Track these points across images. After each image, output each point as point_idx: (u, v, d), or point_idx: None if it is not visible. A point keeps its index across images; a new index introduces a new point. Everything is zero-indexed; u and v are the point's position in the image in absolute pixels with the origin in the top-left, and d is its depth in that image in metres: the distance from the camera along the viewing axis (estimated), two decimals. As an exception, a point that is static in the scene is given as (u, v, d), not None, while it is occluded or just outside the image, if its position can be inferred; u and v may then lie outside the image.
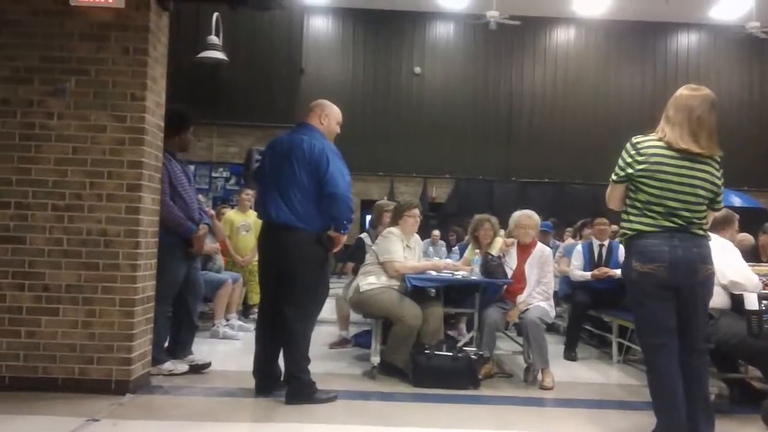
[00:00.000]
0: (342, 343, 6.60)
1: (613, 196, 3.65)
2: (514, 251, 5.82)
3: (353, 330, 6.85)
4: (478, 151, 18.22)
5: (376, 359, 5.29)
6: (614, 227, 8.37)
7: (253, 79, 15.59)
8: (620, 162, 3.56)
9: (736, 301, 4.65)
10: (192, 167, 14.06)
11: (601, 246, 6.98)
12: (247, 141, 15.16)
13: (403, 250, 5.52)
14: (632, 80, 19.29)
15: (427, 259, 6.27)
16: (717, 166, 3.58)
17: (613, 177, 3.59)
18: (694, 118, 3.49)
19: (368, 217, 9.25)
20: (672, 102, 3.59)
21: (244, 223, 7.86)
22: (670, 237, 3.45)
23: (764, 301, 4.38)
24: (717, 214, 4.98)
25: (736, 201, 15.62)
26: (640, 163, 3.48)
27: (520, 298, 5.53)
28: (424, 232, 9.40)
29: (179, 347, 5.26)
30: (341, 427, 4.00)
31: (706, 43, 19.73)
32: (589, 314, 6.92)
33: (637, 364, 6.35)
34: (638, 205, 3.51)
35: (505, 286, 5.69)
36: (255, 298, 7.67)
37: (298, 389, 4.42)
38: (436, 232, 12.22)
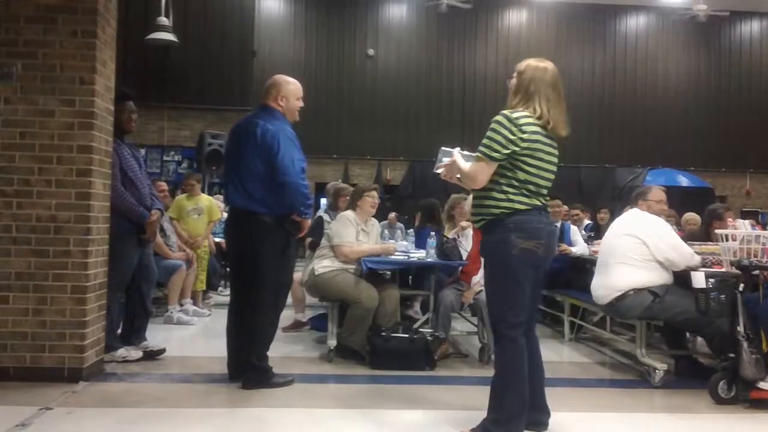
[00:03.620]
0: (296, 326, 6.59)
1: (486, 175, 3.42)
2: (470, 233, 5.89)
3: (309, 313, 6.84)
4: (432, 133, 18.26)
5: (332, 342, 5.30)
6: (565, 208, 8.56)
7: (204, 61, 15.38)
8: (500, 139, 3.35)
9: (680, 275, 4.82)
10: (142, 151, 13.88)
11: (554, 226, 7.11)
12: (199, 124, 15.00)
13: (357, 234, 5.53)
14: (583, 62, 19.55)
15: (383, 242, 6.29)
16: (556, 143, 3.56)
17: (494, 155, 3.36)
18: (563, 99, 3.50)
19: (323, 201, 9.20)
20: (543, 80, 3.48)
21: (195, 206, 7.76)
22: (539, 215, 3.46)
23: (711, 280, 4.52)
24: (638, 188, 5.23)
25: (684, 181, 16.03)
26: (523, 140, 3.37)
27: (475, 279, 5.59)
28: (380, 215, 9.42)
29: (133, 334, 5.20)
30: (299, 411, 4.02)
31: (655, 25, 20.09)
32: (542, 294, 7.04)
33: (588, 341, 6.51)
34: (516, 183, 3.41)
35: (460, 268, 5.75)
36: (200, 284, 7.61)
37: (255, 375, 4.42)
38: (393, 215, 12.24)
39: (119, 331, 5.16)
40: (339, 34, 19.10)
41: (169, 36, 12.64)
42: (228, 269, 7.64)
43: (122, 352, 4.99)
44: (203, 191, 10.47)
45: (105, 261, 4.66)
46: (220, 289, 9.04)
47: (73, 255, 4.35)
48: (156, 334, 5.71)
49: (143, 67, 14.25)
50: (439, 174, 3.64)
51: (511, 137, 3.36)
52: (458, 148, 3.56)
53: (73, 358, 4.35)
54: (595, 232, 9.56)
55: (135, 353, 5.05)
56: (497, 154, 3.38)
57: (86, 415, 3.80)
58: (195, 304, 7.36)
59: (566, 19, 19.55)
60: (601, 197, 16.36)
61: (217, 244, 8.24)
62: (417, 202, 14.10)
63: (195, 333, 6.47)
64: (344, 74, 18.89)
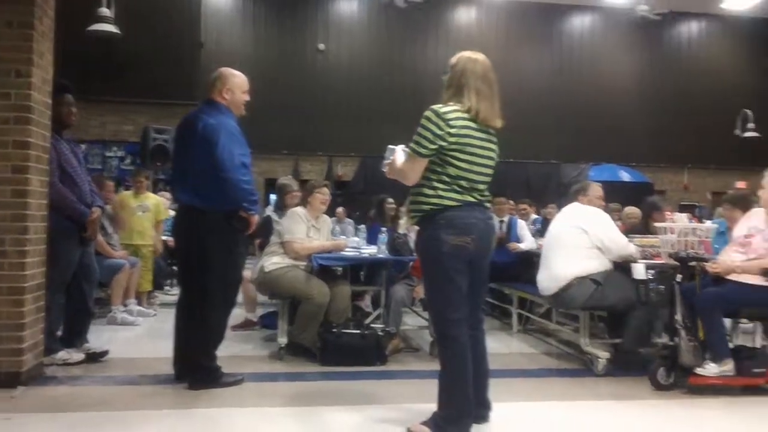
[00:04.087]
0: (246, 325, 6.52)
1: (416, 171, 3.42)
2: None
3: (258, 311, 6.77)
4: (384, 129, 18.15)
5: (283, 340, 5.26)
6: (512, 203, 8.67)
7: (149, 53, 15.05)
8: (427, 134, 3.33)
9: (620, 266, 4.96)
10: (83, 146, 13.52)
11: (501, 222, 7.23)
12: (144, 118, 14.61)
13: (307, 230, 5.50)
14: (531, 60, 19.81)
15: (334, 238, 6.27)
16: (495, 137, 3.58)
17: (422, 150, 3.35)
18: (495, 91, 3.49)
19: (272, 197, 9.12)
20: (474, 72, 3.45)
21: (140, 204, 7.60)
22: (472, 210, 3.42)
23: (650, 271, 4.66)
24: (576, 184, 5.38)
25: (625, 176, 16.40)
26: (452, 135, 3.33)
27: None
28: (332, 212, 9.41)
29: (74, 336, 5.06)
30: (248, 410, 3.97)
31: (600, 25, 20.50)
32: (491, 287, 7.13)
33: (536, 333, 6.62)
34: (446, 179, 3.38)
35: (411, 263, 5.77)
36: (145, 285, 7.48)
37: (203, 375, 4.35)
38: (341, 210, 12.24)
39: (59, 333, 5.02)
40: (289, 27, 18.95)
41: (111, 27, 12.31)
42: (175, 268, 7.52)
43: (63, 354, 4.85)
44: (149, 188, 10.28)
45: (43, 261, 4.51)
46: (166, 288, 8.90)
47: (9, 255, 4.20)
48: (99, 336, 5.59)
49: (85, 60, 13.86)
50: (385, 171, 3.63)
51: (439, 132, 3.34)
52: (402, 146, 3.55)
53: (10, 362, 4.19)
54: (543, 227, 9.71)
55: (76, 356, 4.92)
56: (425, 150, 3.36)
57: (27, 420, 3.68)
58: (140, 304, 7.22)
59: (516, 17, 19.79)
60: (548, 193, 16.62)
61: (163, 242, 8.10)
62: (369, 198, 14.14)
63: (140, 334, 6.34)
64: (295, 68, 18.74)
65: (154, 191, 10.15)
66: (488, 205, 3.60)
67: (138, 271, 7.12)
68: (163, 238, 8.12)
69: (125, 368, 4.92)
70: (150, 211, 7.63)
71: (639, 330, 4.86)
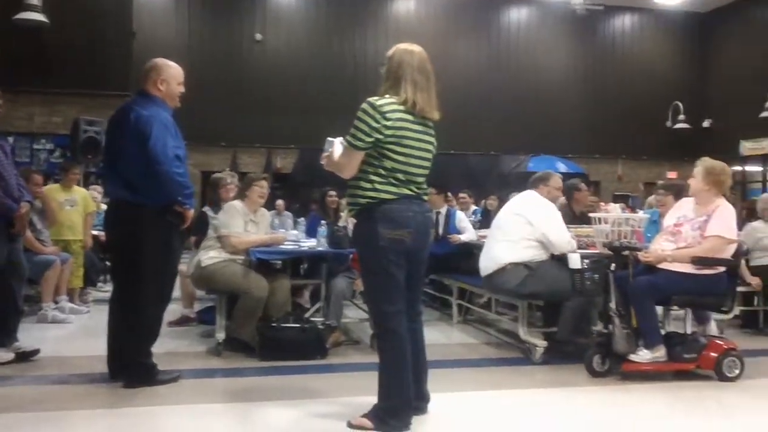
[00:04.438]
0: (183, 321, 6.38)
1: (354, 164, 3.41)
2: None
3: (195, 307, 6.65)
4: (324, 121, 18.04)
5: (221, 335, 5.18)
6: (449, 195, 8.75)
7: (79, 43, 14.54)
8: (363, 127, 3.32)
9: (557, 258, 5.07)
10: (10, 139, 13.03)
11: (438, 213, 7.25)
12: (74, 110, 14.10)
13: (245, 224, 5.42)
14: (470, 52, 19.98)
15: (272, 232, 6.20)
16: (433, 131, 3.60)
17: (358, 143, 3.34)
18: (432, 82, 3.50)
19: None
20: (411, 64, 3.44)
21: (68, 198, 7.38)
22: (409, 203, 3.42)
23: (585, 260, 4.77)
24: (538, 172, 5.47)
25: (561, 167, 16.71)
26: (388, 128, 3.33)
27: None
28: (270, 204, 9.30)
29: (4, 335, 4.85)
30: (186, 408, 3.90)
31: (537, 18, 20.81)
32: (431, 278, 7.19)
33: (476, 323, 6.70)
34: (382, 172, 3.37)
35: (351, 256, 5.75)
36: (77, 281, 7.28)
37: (139, 373, 4.25)
38: (280, 203, 12.15)
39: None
40: (226, 16, 18.63)
41: (39, 16, 11.88)
42: (108, 263, 7.33)
43: (-8, 354, 4.69)
44: (79, 182, 9.98)
45: (-31, 258, 4.34)
46: (99, 284, 8.66)
47: (-68, 252, 4.03)
48: (29, 335, 5.39)
49: (11, 50, 13.32)
50: (323, 164, 3.61)
51: (375, 125, 3.33)
52: (341, 138, 3.52)
53: (-66, 364, 4.03)
54: (484, 217, 9.83)
55: (6, 355, 4.75)
56: (361, 143, 3.36)
57: (-49, 423, 3.55)
58: (72, 301, 7.01)
59: (454, 9, 19.91)
60: (488, 184, 16.84)
61: (96, 237, 7.88)
62: (309, 190, 14.04)
63: (72, 331, 6.16)
64: (232, 59, 18.44)
65: (86, 185, 9.87)
66: (426, 197, 3.61)
67: (69, 267, 6.90)
68: (95, 232, 7.91)
69: (58, 367, 4.77)
70: (78, 205, 7.41)
71: (572, 320, 4.97)
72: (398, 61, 3.47)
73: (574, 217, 6.24)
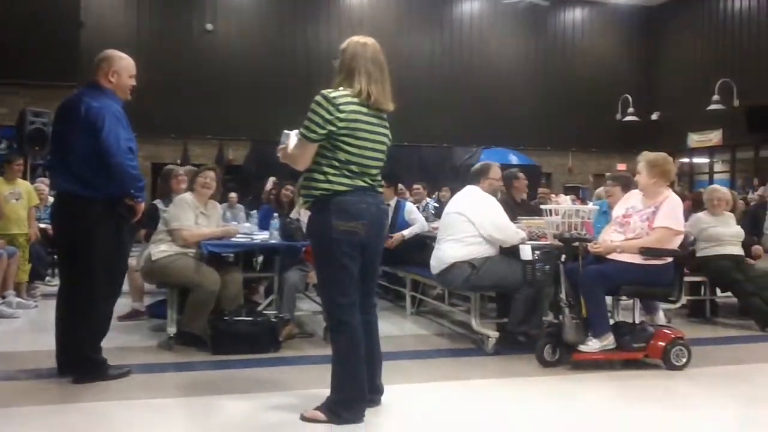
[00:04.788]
0: (133, 315, 6.28)
1: (307, 156, 3.42)
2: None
3: (146, 300, 6.55)
4: (276, 112, 17.97)
5: (172, 329, 5.12)
6: (401, 187, 8.77)
7: (25, 32, 14.19)
8: (317, 119, 3.33)
9: (507, 249, 5.13)
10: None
11: (387, 205, 7.25)
12: (21, 101, 13.80)
13: (195, 217, 5.36)
14: (423, 45, 20.08)
15: (224, 224, 6.13)
16: (386, 121, 3.63)
17: (311, 135, 3.35)
18: (386, 74, 3.52)
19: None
20: (364, 56, 3.45)
21: (12, 191, 7.20)
22: (363, 195, 3.43)
23: (536, 252, 4.83)
24: (476, 165, 5.50)
25: (514, 159, 16.97)
26: (341, 120, 3.34)
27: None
28: (222, 196, 9.18)
29: (-54, 331, 4.75)
30: (136, 403, 3.85)
31: (488, 11, 21.00)
32: (385, 270, 7.19)
33: (429, 314, 6.75)
34: (336, 164, 3.38)
35: (304, 248, 5.73)
36: (23, 275, 7.10)
37: (88, 368, 4.18)
38: (233, 195, 12.03)
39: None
40: (176, 6, 18.37)
41: (-16, 5, 11.55)
42: (56, 257, 7.18)
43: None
44: (26, 174, 9.73)
45: None
46: (48, 278, 8.47)
47: None
48: (-26, 330, 5.27)
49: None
50: (279, 156, 3.59)
51: (328, 117, 3.34)
52: (296, 131, 3.51)
53: None
54: (438, 209, 9.89)
55: (-51, 352, 4.63)
56: (314, 135, 3.36)
57: None
58: (19, 295, 6.85)
59: (406, 1, 19.95)
60: (441, 176, 16.95)
61: (43, 231, 7.70)
62: (261, 182, 13.90)
63: (19, 326, 6.03)
64: (182, 49, 18.18)
65: (32, 178, 9.64)
66: (381, 189, 3.62)
67: (16, 262, 6.75)
68: (42, 226, 7.73)
69: (4, 363, 4.66)
70: (23, 198, 7.24)
71: (522, 311, 5.02)
72: (352, 54, 3.48)
73: (516, 205, 6.39)
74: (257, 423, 3.59)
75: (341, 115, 3.35)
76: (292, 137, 3.50)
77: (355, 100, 3.41)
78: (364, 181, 3.46)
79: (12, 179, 7.29)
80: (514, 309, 5.05)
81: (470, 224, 5.10)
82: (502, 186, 5.65)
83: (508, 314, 5.19)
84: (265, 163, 17.07)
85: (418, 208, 8.69)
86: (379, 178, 3.58)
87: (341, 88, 3.45)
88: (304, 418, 3.49)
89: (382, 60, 3.51)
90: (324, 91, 3.41)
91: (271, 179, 10.34)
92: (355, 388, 3.46)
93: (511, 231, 5.15)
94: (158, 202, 6.48)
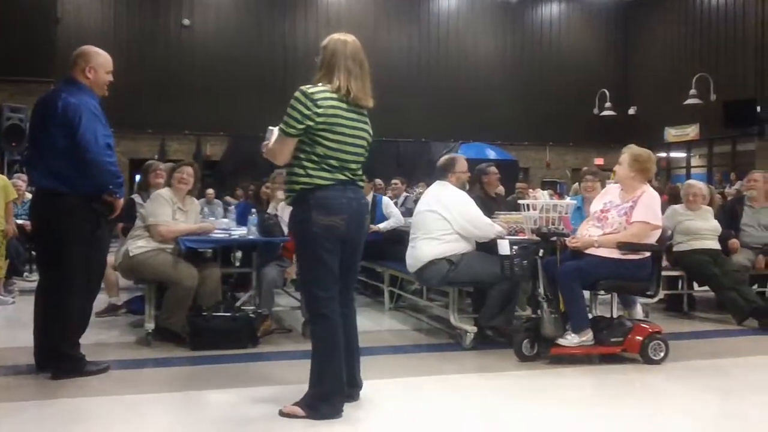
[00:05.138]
0: (111, 310, 6.24)
1: (286, 151, 3.46)
2: (288, 209, 5.87)
3: (124, 296, 6.51)
4: (254, 108, 17.95)
5: (150, 325, 5.09)
6: (379, 181, 8.77)
7: (2, 28, 14.01)
8: (295, 114, 3.38)
9: (485, 244, 5.15)
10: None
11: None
12: (-4, 97, 13.67)
13: (173, 212, 5.33)
14: (400, 40, 20.08)
15: (203, 220, 6.10)
16: (367, 118, 3.68)
17: (290, 131, 3.40)
18: (366, 71, 3.56)
19: (138, 178, 8.75)
20: (344, 53, 3.49)
21: None
22: (344, 190, 3.47)
23: (514, 247, 4.85)
24: (441, 160, 5.46)
25: (491, 154, 17.02)
26: (319, 115, 3.38)
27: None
28: (200, 192, 9.14)
29: None
30: (114, 398, 3.83)
31: (465, 5, 21.03)
32: (362, 265, 7.19)
33: (407, 309, 6.77)
34: (315, 158, 3.42)
35: (282, 244, 5.73)
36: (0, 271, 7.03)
37: (66, 364, 4.16)
38: (210, 191, 11.98)
39: None
40: (152, 1, 18.23)
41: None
42: (34, 253, 7.11)
43: None
44: (2, 170, 9.62)
45: None
46: (25, 274, 8.39)
47: None
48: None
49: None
50: (263, 152, 3.63)
51: (306, 112, 3.38)
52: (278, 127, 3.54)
53: None
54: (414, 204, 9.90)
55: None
56: (292, 130, 3.40)
57: None
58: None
59: (383, -2, 19.96)
60: (418, 171, 16.98)
61: (21, 227, 7.62)
62: (237, 178, 13.86)
63: (-5, 323, 5.98)
64: (158, 44, 18.06)
65: (10, 173, 9.52)
66: (362, 184, 3.64)
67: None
68: (20, 221, 7.65)
69: (-20, 360, 4.62)
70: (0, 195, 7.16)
71: (496, 306, 5.04)
72: (332, 50, 3.52)
73: (490, 199, 6.39)
74: (236, 418, 3.58)
75: (319, 110, 3.39)
76: (275, 133, 3.52)
77: (334, 95, 3.45)
78: (344, 175, 3.48)
79: (-15, 175, 7.20)
80: (488, 304, 5.08)
81: (444, 221, 5.10)
82: (469, 176, 5.60)
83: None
84: (243, 158, 17.11)
85: (395, 203, 8.73)
86: (360, 173, 3.60)
87: (320, 84, 3.48)
88: (282, 414, 3.49)
89: (362, 57, 3.55)
90: (303, 87, 3.44)
91: None
92: (334, 381, 3.47)
93: (484, 224, 5.15)
94: (136, 197, 6.44)
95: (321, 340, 3.50)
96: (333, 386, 3.47)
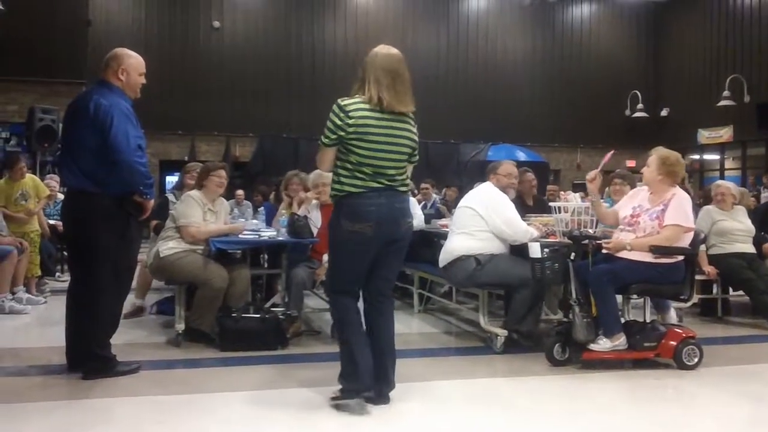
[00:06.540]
0: (137, 312, 6.27)
1: (325, 159, 3.69)
2: (318, 210, 5.88)
3: (151, 298, 6.54)
4: (282, 108, 18.04)
5: (180, 326, 5.13)
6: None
7: (34, 31, 14.17)
8: (330, 125, 3.59)
9: (517, 247, 5.10)
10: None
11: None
12: (29, 98, 13.83)
13: (204, 214, 5.36)
14: (429, 41, 19.99)
15: (232, 221, 6.12)
16: (413, 122, 3.79)
17: (325, 141, 3.62)
18: (399, 79, 3.66)
19: (168, 179, 8.82)
20: (373, 64, 3.66)
21: (21, 192, 7.24)
22: (377, 196, 3.60)
23: (545, 249, 4.79)
24: (491, 164, 5.53)
25: (521, 155, 16.87)
26: (350, 125, 3.55)
27: (327, 256, 5.58)
28: (229, 193, 9.20)
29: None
30: (144, 399, 3.85)
31: (496, 5, 20.89)
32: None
33: (436, 312, 6.73)
34: (349, 166, 3.59)
35: (311, 245, 5.73)
36: (35, 269, 7.14)
37: (97, 364, 4.19)
38: (240, 192, 12.03)
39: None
40: (182, 3, 18.36)
41: (-6, 3, 11.57)
42: (65, 253, 7.21)
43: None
44: (35, 170, 9.76)
45: None
46: (57, 274, 8.50)
47: None
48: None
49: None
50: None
51: (339, 123, 3.57)
52: None
53: None
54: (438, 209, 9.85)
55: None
56: (327, 140, 3.61)
57: None
58: (29, 291, 6.88)
59: (412, -3, 19.91)
60: (448, 172, 16.90)
61: (53, 227, 7.72)
62: (267, 178, 13.90)
63: (29, 322, 6.05)
64: (189, 46, 18.20)
65: (42, 174, 9.66)
66: (403, 189, 3.74)
67: (26, 257, 6.78)
68: (52, 222, 7.76)
69: (15, 359, 4.70)
70: (31, 196, 7.28)
71: (522, 309, 4.98)
72: (364, 64, 3.71)
73: (524, 204, 6.30)
74: (265, 420, 3.58)
75: (350, 121, 3.55)
76: None
77: (366, 105, 3.60)
78: (380, 182, 3.60)
79: (17, 180, 7.32)
80: (513, 307, 5.04)
81: (479, 218, 5.11)
82: (514, 183, 5.56)
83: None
84: (272, 159, 17.19)
85: (425, 205, 8.68)
86: (400, 177, 3.70)
87: (357, 96, 3.65)
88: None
89: (395, 67, 3.68)
90: (338, 100, 3.63)
91: None
92: (356, 358, 3.60)
93: (520, 227, 5.11)
94: (170, 195, 6.48)
95: (339, 321, 3.77)
96: (355, 364, 3.60)
